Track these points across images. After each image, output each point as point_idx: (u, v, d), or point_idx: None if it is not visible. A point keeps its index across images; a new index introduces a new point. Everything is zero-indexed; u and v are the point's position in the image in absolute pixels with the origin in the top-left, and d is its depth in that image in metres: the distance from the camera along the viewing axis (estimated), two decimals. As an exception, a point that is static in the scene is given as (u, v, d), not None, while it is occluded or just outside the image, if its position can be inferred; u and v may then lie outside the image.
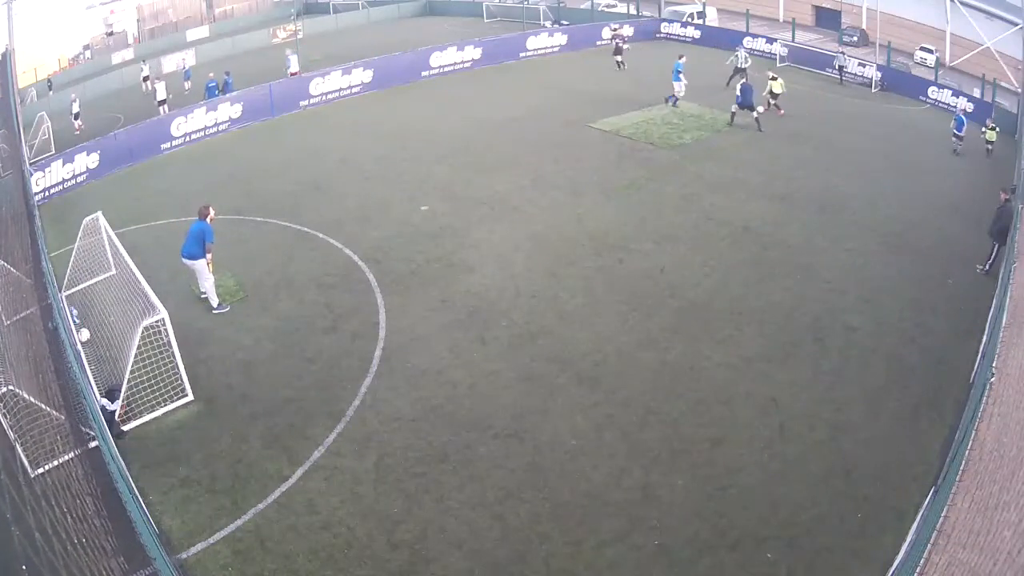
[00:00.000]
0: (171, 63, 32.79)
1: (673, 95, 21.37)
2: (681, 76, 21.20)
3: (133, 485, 6.62)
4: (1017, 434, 5.67)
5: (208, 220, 10.62)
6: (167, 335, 8.60)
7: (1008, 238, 10.70)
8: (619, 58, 26.51)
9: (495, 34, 31.35)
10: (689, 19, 34.18)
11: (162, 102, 23.44)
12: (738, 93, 19.50)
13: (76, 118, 23.08)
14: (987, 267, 11.76)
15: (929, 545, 4.69)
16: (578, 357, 9.58)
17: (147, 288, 9.07)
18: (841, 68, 26.67)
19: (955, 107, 23.19)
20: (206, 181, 16.29)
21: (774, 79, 20.86)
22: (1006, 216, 11.44)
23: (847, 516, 7.02)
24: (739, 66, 23.59)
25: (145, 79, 28.24)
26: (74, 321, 10.02)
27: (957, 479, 5.25)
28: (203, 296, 11.03)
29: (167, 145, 18.99)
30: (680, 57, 21.85)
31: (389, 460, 7.87)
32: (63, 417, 7.33)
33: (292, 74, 25.26)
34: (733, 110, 19.58)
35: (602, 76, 25.75)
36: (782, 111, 20.42)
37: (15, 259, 10.68)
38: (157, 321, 8.47)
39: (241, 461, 7.87)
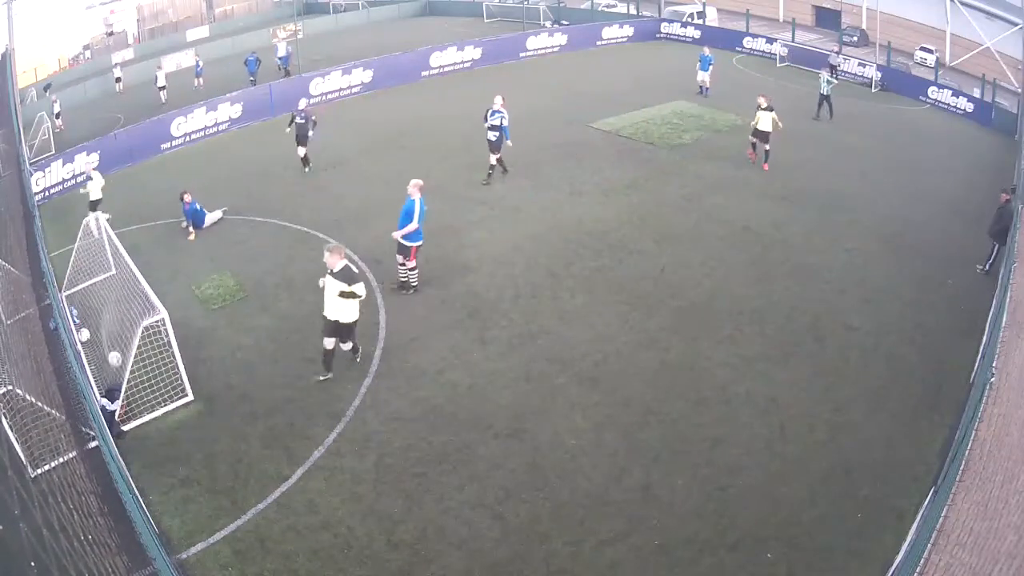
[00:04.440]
0: (171, 63, 32.83)
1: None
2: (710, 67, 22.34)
3: (133, 485, 6.62)
4: (1017, 434, 5.66)
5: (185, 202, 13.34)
6: (167, 335, 8.60)
7: (1008, 238, 10.70)
8: (303, 151, 16.51)
9: (495, 34, 31.35)
10: (689, 19, 34.20)
11: (162, 88, 26.73)
12: (494, 136, 14.87)
13: (57, 117, 24.09)
14: (987, 267, 11.77)
15: (929, 545, 4.69)
16: (578, 357, 9.58)
17: (147, 288, 9.06)
18: (833, 67, 26.74)
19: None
20: (206, 181, 16.27)
21: (767, 109, 15.87)
22: (1006, 216, 11.44)
23: (847, 516, 7.02)
24: (823, 92, 20.75)
25: (117, 80, 30.61)
26: (74, 321, 10.02)
27: (957, 479, 5.24)
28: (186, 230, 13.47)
29: (167, 145, 19.00)
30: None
31: (389, 460, 7.86)
32: (63, 417, 7.32)
33: (280, 58, 28.94)
34: (492, 162, 15.29)
35: (602, 76, 25.75)
36: (766, 165, 16.17)
37: (15, 259, 10.67)
38: (157, 321, 8.46)
39: (241, 461, 7.87)
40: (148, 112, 22.18)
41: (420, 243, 10.80)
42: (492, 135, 14.78)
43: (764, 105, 15.94)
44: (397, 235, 10.61)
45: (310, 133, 16.38)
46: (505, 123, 14.61)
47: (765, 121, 15.95)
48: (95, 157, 17.16)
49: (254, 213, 14.47)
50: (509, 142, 14.92)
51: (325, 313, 8.81)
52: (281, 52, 29.45)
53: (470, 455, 7.91)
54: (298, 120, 16.36)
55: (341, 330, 8.88)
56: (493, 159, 15.14)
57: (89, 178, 14.64)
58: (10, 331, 8.36)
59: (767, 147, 16.18)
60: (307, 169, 16.67)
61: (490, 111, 14.67)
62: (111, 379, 8.92)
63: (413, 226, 10.48)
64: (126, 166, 17.86)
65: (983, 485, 5.16)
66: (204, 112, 19.91)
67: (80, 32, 43.18)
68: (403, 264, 11.00)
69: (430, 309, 10.80)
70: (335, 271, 8.59)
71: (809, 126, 20.19)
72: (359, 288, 8.59)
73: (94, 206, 14.40)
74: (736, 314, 10.53)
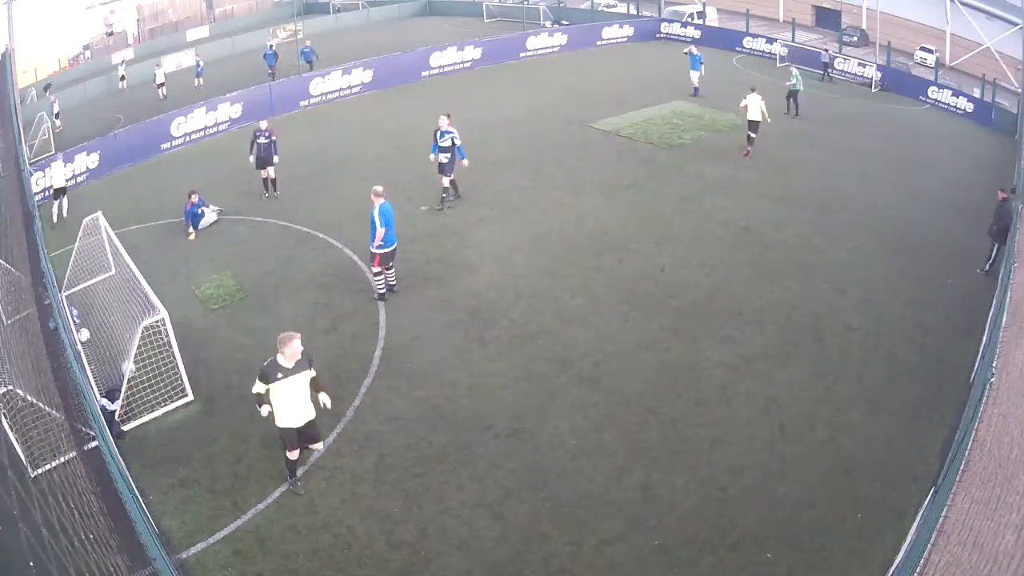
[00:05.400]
0: (171, 63, 32.86)
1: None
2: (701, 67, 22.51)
3: (133, 485, 6.61)
4: (1017, 434, 5.66)
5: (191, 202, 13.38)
6: (167, 335, 8.60)
7: (1008, 238, 10.70)
8: (269, 173, 15.02)
9: (495, 34, 31.37)
10: (689, 19, 34.22)
11: (160, 85, 27.42)
12: (445, 158, 13.72)
13: (57, 117, 24.27)
14: (987, 267, 11.77)
15: (929, 545, 4.69)
16: (578, 357, 9.57)
17: (147, 288, 9.07)
18: (825, 65, 26.76)
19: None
20: (206, 181, 16.26)
21: (754, 91, 17.15)
22: (1005, 215, 11.45)
23: (847, 516, 7.02)
24: (794, 88, 20.46)
25: (121, 79, 31.07)
26: (74, 321, 10.01)
27: (957, 479, 5.24)
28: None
29: (167, 145, 18.99)
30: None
31: (389, 460, 7.86)
32: (63, 417, 7.32)
33: (303, 51, 29.04)
34: (445, 185, 14.15)
35: (602, 76, 25.75)
36: (749, 150, 17.10)
37: (15, 259, 10.67)
38: (157, 321, 8.46)
39: (241, 461, 7.86)
40: (148, 112, 22.14)
41: (385, 249, 10.56)
42: (444, 157, 13.59)
43: (753, 89, 17.28)
44: (375, 248, 10.50)
45: (275, 159, 14.82)
46: (458, 143, 13.57)
47: (753, 107, 16.94)
48: (94, 157, 17.21)
49: (254, 213, 14.47)
50: (466, 162, 13.87)
51: (293, 422, 6.99)
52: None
53: (470, 455, 7.91)
54: (260, 141, 14.69)
55: (314, 428, 7.22)
56: (445, 182, 14.03)
57: (48, 166, 14.85)
58: (10, 331, 8.37)
59: (753, 135, 17.17)
60: (265, 196, 15.08)
61: (439, 132, 13.48)
62: (111, 379, 8.92)
63: (380, 232, 10.33)
64: (126, 166, 17.86)
65: (983, 485, 5.16)
66: (204, 112, 19.91)
67: (80, 32, 43.21)
68: (378, 274, 10.85)
69: (430, 309, 10.80)
70: (294, 365, 6.79)
71: (809, 126, 20.18)
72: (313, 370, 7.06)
73: (59, 193, 14.49)
74: (736, 314, 10.53)
